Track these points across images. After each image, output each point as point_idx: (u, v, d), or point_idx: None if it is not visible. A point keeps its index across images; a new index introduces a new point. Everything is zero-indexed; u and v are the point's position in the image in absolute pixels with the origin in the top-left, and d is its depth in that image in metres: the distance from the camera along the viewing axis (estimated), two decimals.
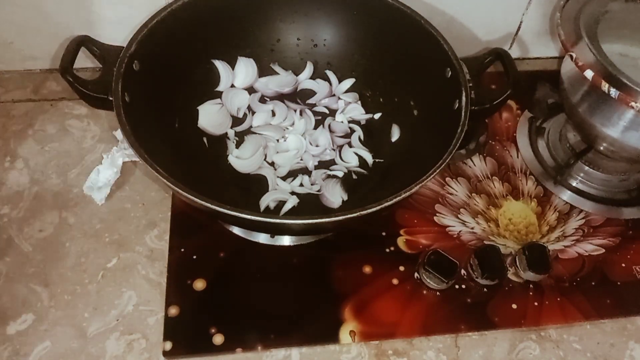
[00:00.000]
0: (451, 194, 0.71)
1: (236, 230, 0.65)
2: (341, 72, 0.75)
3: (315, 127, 0.72)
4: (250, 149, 0.68)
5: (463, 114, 0.58)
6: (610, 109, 0.62)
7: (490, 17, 0.79)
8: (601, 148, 0.67)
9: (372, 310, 0.60)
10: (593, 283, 0.65)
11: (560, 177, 0.72)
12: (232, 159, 0.68)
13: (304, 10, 0.72)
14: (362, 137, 0.72)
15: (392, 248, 0.65)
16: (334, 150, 0.71)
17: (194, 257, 0.62)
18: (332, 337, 0.58)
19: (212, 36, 0.69)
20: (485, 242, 0.66)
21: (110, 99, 0.55)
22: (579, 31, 0.61)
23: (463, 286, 0.63)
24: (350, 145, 0.71)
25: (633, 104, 0.56)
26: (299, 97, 0.75)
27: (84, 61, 0.70)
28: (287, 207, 0.65)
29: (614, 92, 0.57)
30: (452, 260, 0.60)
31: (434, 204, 0.69)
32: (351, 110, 0.74)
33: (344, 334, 0.58)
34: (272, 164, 0.69)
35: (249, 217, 0.49)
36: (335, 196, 0.65)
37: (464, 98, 0.59)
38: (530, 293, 0.63)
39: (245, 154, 0.68)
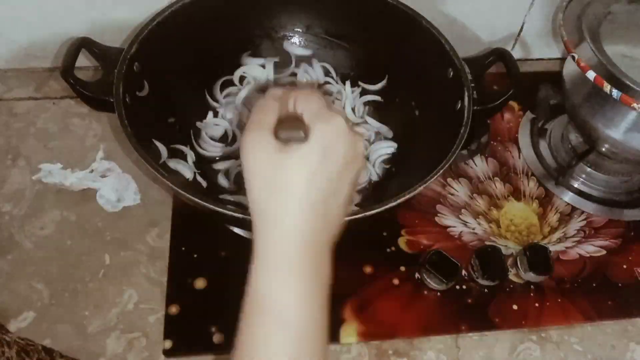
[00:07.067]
0: (452, 194, 0.70)
1: (237, 229, 0.64)
2: (342, 72, 0.75)
3: None
4: None
5: (465, 114, 0.58)
6: (613, 111, 0.62)
7: (493, 17, 0.79)
8: (603, 149, 0.67)
9: (373, 310, 0.60)
10: (594, 284, 0.65)
11: (562, 178, 0.72)
12: None
13: (306, 10, 0.71)
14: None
15: (393, 248, 0.65)
16: None
17: (195, 256, 0.62)
18: (332, 337, 0.58)
19: (212, 37, 0.69)
20: (487, 243, 0.66)
21: (112, 100, 0.55)
22: (582, 32, 0.61)
23: (464, 287, 0.63)
24: None
25: (635, 105, 0.56)
26: None
27: (85, 60, 0.69)
28: None
29: (616, 94, 0.56)
30: (453, 261, 0.60)
31: (435, 204, 0.69)
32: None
33: (345, 334, 0.58)
34: None
35: (249, 217, 0.49)
36: None
37: (466, 98, 0.59)
38: (531, 294, 0.63)
39: None
